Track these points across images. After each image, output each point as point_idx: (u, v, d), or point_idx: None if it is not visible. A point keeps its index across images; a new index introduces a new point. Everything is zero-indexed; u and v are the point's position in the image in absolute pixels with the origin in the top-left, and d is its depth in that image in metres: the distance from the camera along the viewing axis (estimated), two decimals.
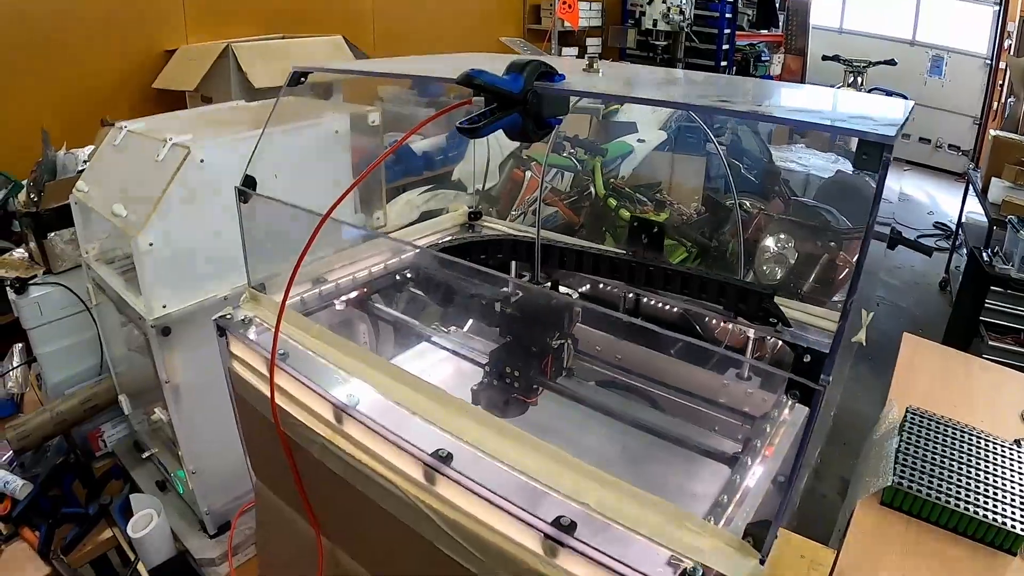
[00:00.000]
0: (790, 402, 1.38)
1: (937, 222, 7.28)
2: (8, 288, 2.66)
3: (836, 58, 6.78)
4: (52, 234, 2.71)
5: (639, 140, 5.07)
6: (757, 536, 0.98)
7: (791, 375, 0.88)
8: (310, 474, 1.47)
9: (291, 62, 1.69)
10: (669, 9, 7.82)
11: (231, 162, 1.76)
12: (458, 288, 1.73)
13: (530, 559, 1.03)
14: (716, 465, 1.41)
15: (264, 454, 1.70)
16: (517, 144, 4.65)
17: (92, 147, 3.05)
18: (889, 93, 6.20)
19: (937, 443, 2.12)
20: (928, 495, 1.91)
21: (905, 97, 2.22)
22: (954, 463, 2.02)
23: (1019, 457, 2.04)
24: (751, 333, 1.69)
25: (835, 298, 4.22)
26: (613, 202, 4.21)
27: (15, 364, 3.07)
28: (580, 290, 1.99)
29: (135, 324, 2.21)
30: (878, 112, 1.17)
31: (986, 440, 2.13)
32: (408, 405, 1.29)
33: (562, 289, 1.70)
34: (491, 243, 2.01)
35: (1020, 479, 1.93)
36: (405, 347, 1.94)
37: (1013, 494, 1.87)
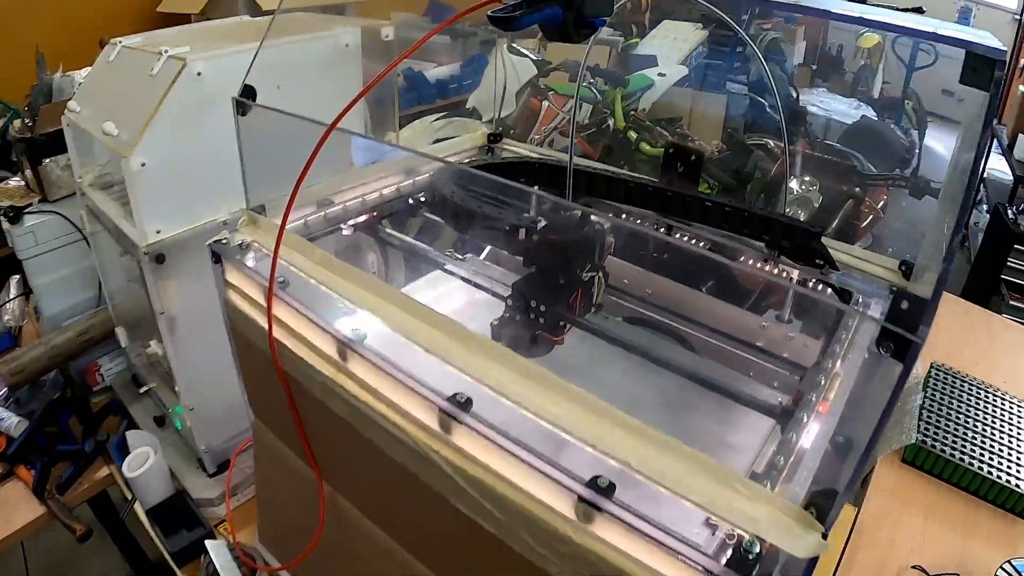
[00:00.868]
0: (842, 352, 1.27)
1: None
2: (2, 217, 2.53)
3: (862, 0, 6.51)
4: (47, 160, 2.57)
5: (659, 74, 4.91)
6: (821, 507, 0.85)
7: (886, 323, 0.74)
8: (311, 415, 1.33)
9: None
10: None
11: (232, 76, 1.60)
12: (478, 212, 1.57)
13: (560, 524, 0.90)
14: (760, 418, 1.28)
15: (263, 391, 1.57)
16: (535, 72, 4.49)
17: (90, 69, 2.90)
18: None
19: (961, 402, 2.05)
20: (951, 455, 1.83)
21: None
22: (977, 423, 1.95)
23: None
24: (795, 274, 1.54)
25: (857, 244, 4.11)
26: (633, 135, 4.06)
27: (12, 296, 2.97)
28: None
29: (128, 252, 2.07)
30: (974, 36, 1.01)
31: (1009, 401, 2.05)
32: (422, 341, 1.14)
33: (594, 217, 1.54)
34: (514, 165, 1.85)
35: None
36: (418, 276, 1.80)
37: None
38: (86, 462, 2.35)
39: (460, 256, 1.83)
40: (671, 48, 5.33)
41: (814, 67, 6.78)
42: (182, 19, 4.16)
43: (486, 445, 0.98)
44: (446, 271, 1.74)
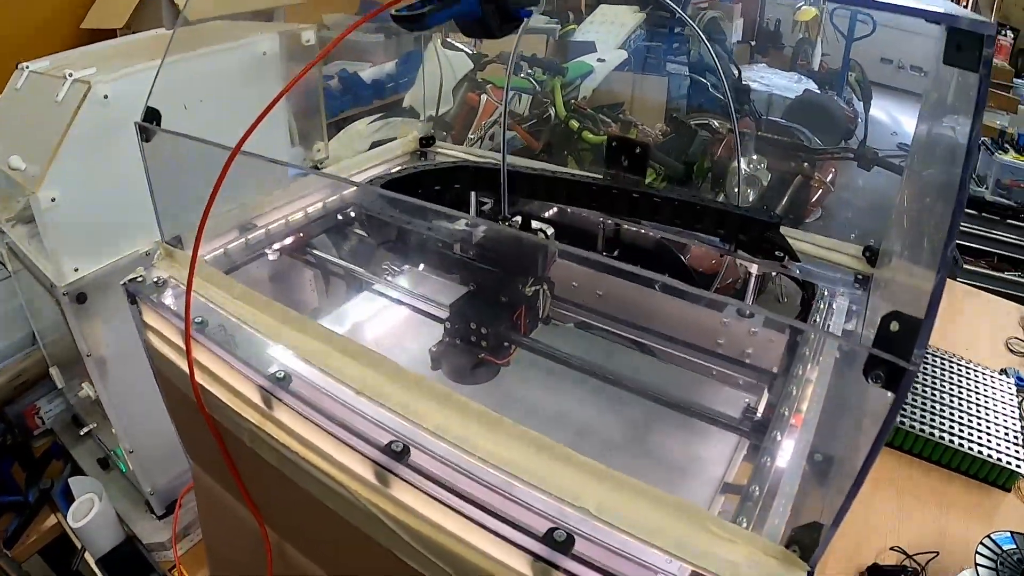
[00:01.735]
0: (814, 356, 1.18)
1: (901, 143, 7.09)
2: None
3: None
4: None
5: (599, 60, 4.84)
6: (806, 545, 0.76)
7: (873, 350, 0.64)
8: (246, 461, 1.21)
9: None
10: None
11: (142, 98, 1.47)
12: (410, 227, 1.45)
13: None
14: (729, 436, 1.19)
15: (195, 436, 1.44)
16: (472, 66, 4.37)
17: None
18: None
19: (926, 374, 2.00)
20: (921, 431, 1.79)
21: None
22: (946, 395, 1.91)
23: (1007, 388, 1.95)
24: (754, 269, 1.45)
25: (808, 220, 4.07)
26: (575, 124, 3.97)
27: None
28: (548, 214, 1.75)
29: (48, 292, 1.93)
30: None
31: (975, 371, 2.02)
32: (352, 382, 1.03)
33: (535, 224, 1.43)
34: (447, 171, 1.72)
35: (1009, 411, 1.85)
36: (349, 302, 1.67)
37: (1005, 427, 1.80)
38: (31, 513, 2.22)
39: (397, 269, 1.72)
40: (609, 33, 5.26)
41: (752, 43, 6.77)
42: (108, 35, 3.96)
43: (428, 499, 0.87)
44: (380, 293, 1.62)
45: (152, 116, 1.40)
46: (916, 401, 1.88)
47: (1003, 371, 2.08)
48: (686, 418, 1.16)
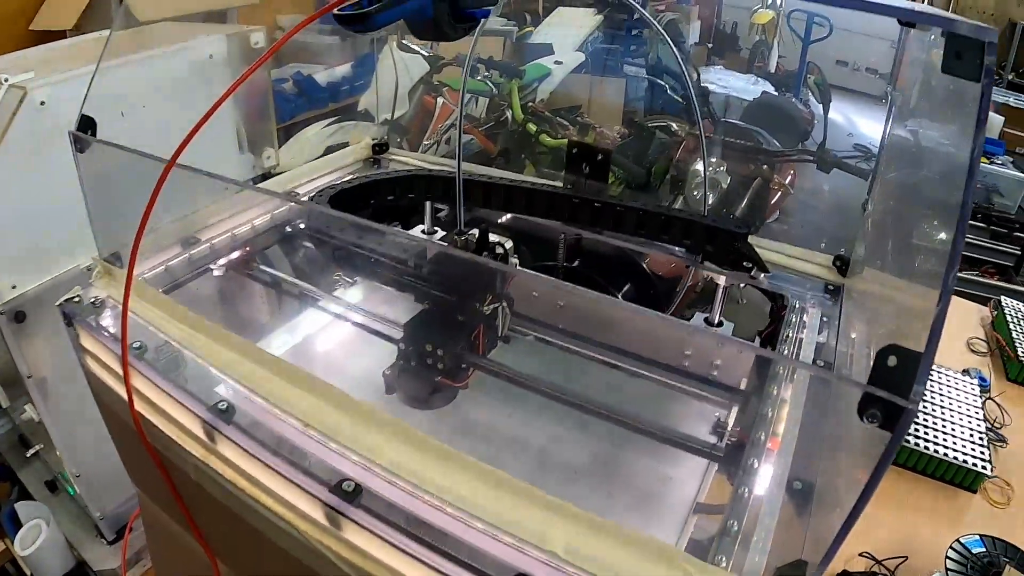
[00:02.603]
0: (787, 374, 1.13)
1: (857, 144, 7.14)
2: None
3: None
4: None
5: (556, 62, 4.80)
6: None
7: (869, 387, 0.59)
8: (191, 493, 1.13)
9: None
10: None
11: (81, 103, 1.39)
12: (361, 243, 1.37)
13: None
14: (698, 460, 1.13)
15: (139, 464, 1.35)
16: (427, 68, 4.30)
17: None
18: None
19: None
20: None
21: None
22: None
23: (970, 389, 1.91)
24: (722, 281, 1.40)
25: (768, 221, 4.06)
26: (533, 127, 3.92)
27: None
28: (502, 220, 1.69)
29: None
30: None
31: (938, 372, 2.00)
32: (300, 414, 0.95)
33: (493, 237, 1.36)
34: (402, 180, 1.64)
35: (973, 412, 1.82)
36: (299, 319, 1.59)
37: (970, 428, 1.77)
38: None
39: (350, 281, 1.64)
40: (567, 35, 5.21)
41: (710, 45, 6.77)
42: (57, 36, 3.83)
43: (382, 543, 0.81)
44: (330, 311, 1.54)
45: (87, 125, 1.31)
46: None
47: (965, 371, 2.06)
48: (650, 437, 1.11)
